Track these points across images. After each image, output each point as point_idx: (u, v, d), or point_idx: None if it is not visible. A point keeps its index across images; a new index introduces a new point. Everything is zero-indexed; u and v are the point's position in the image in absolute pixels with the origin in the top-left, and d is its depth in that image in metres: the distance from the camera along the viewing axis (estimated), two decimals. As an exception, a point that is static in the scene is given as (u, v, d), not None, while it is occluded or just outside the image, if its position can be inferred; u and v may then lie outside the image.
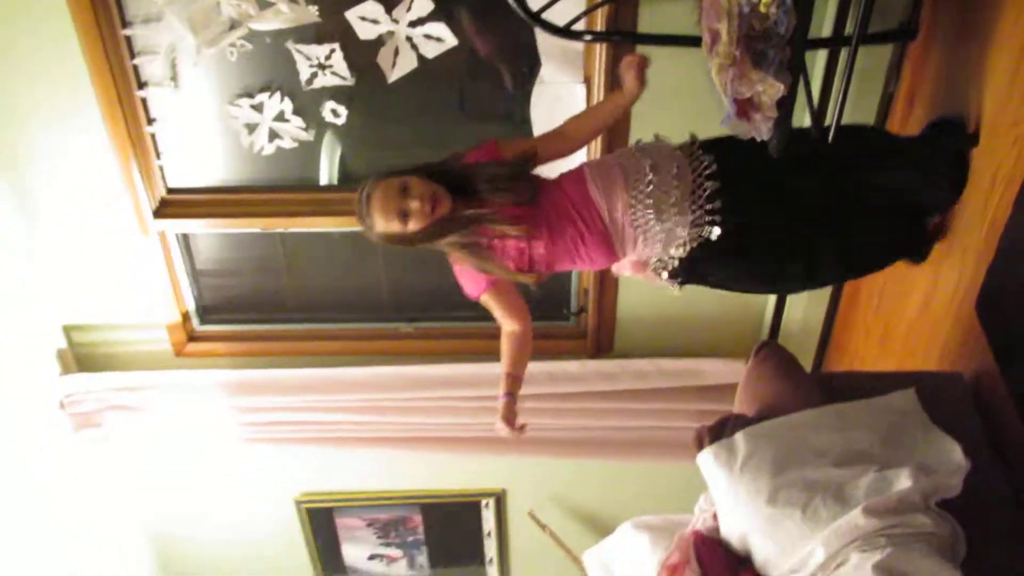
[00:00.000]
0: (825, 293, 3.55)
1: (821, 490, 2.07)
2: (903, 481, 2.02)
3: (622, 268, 2.66)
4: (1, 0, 2.99)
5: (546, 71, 3.11)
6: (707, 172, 2.42)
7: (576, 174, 2.55)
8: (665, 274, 2.56)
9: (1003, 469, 2.32)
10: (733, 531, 2.27)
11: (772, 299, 3.62)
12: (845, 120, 2.35)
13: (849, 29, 2.72)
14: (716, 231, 2.42)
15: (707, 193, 2.41)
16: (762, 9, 2.04)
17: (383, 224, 2.42)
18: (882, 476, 2.05)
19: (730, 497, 2.23)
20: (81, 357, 3.86)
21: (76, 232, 3.51)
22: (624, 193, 2.45)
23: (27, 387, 3.59)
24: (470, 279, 2.59)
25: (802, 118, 2.72)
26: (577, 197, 2.50)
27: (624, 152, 2.58)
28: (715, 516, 2.38)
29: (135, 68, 3.19)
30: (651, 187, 2.42)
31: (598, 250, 2.52)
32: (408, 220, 2.39)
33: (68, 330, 3.79)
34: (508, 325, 2.63)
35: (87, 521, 4.05)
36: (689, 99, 3.04)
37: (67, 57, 3.07)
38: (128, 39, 3.11)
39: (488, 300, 2.60)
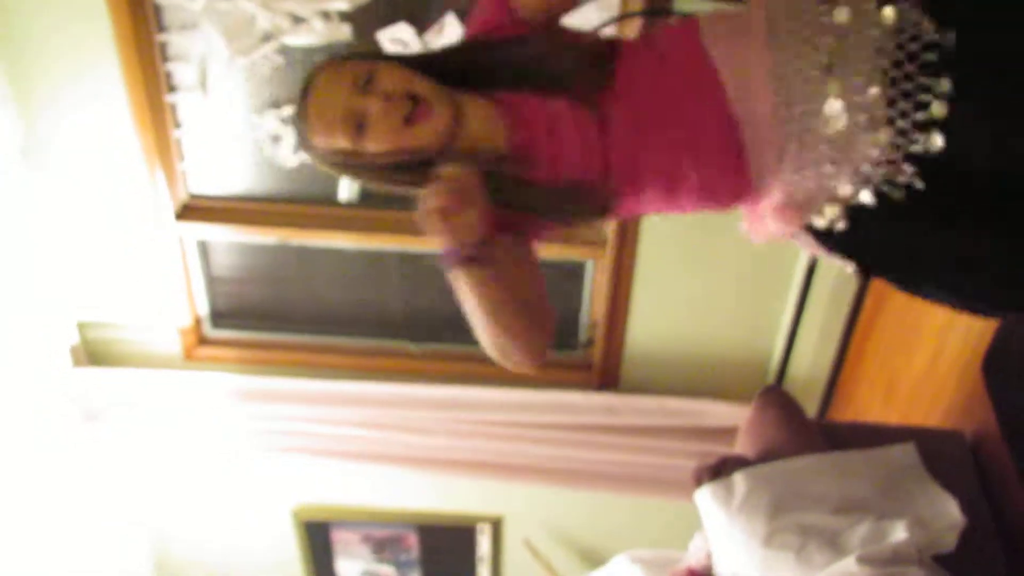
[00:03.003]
0: (833, 340, 3.57)
1: (816, 535, 2.08)
2: (899, 532, 2.04)
3: (758, 222, 1.64)
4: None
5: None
6: (927, 40, 1.41)
7: (681, 33, 1.61)
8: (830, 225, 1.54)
9: (998, 529, 2.34)
10: (726, 570, 2.28)
11: (780, 343, 3.63)
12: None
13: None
14: (939, 141, 1.41)
15: (923, 66, 1.41)
16: None
17: (323, 133, 1.57)
18: (878, 526, 2.07)
19: (725, 536, 2.24)
20: (93, 354, 3.89)
21: (96, 230, 3.54)
22: (768, 58, 1.51)
23: (40, 379, 3.62)
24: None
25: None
26: (681, 77, 1.56)
27: None
28: (709, 555, 2.40)
29: (167, 73, 3.23)
30: (824, 50, 1.46)
31: (715, 171, 1.56)
32: (365, 132, 1.54)
33: (82, 326, 3.82)
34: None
35: (88, 514, 4.07)
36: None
37: (101, 59, 3.12)
38: (163, 45, 3.16)
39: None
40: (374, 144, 1.54)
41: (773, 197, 1.56)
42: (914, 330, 2.94)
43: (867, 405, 3.36)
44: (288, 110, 3.27)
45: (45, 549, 3.75)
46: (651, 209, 1.67)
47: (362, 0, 2.97)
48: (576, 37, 1.68)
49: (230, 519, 4.53)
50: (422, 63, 1.61)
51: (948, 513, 2.12)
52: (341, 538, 4.63)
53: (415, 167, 1.57)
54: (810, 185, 1.50)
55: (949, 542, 2.08)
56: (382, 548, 4.71)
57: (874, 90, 1.43)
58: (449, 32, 3.06)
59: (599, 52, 1.62)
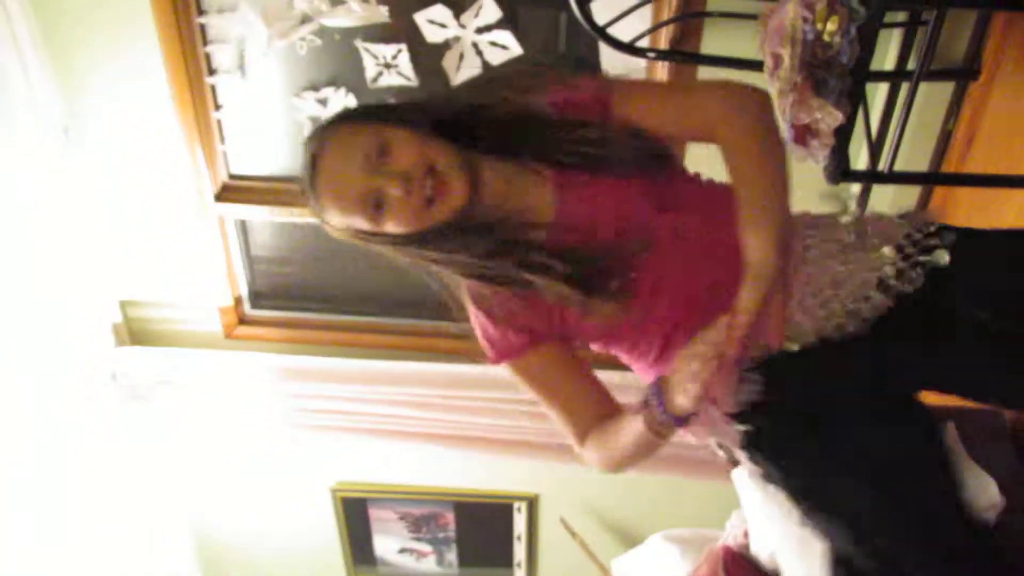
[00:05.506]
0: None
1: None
2: (935, 512, 2.04)
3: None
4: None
5: (608, 84, 3.14)
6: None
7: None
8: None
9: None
10: (763, 549, 2.29)
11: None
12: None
13: (911, 65, 2.74)
14: (945, 256, 1.53)
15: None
16: (826, 38, 2.07)
17: (338, 213, 1.51)
18: (915, 506, 2.07)
19: (762, 515, 2.25)
20: (135, 332, 3.94)
21: (138, 210, 3.59)
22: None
23: (82, 357, 3.67)
24: (490, 331, 1.65)
25: (859, 150, 2.74)
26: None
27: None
28: (745, 533, 2.41)
29: (207, 55, 3.26)
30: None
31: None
32: (383, 213, 1.47)
33: (124, 305, 3.88)
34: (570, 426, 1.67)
35: (128, 492, 4.12)
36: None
37: (142, 41, 3.15)
38: (202, 27, 3.19)
39: (524, 368, 1.67)
40: (394, 227, 1.49)
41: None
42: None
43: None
44: (326, 92, 3.30)
45: (85, 527, 3.81)
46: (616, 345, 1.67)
47: (400, -18, 2.99)
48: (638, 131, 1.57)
49: (269, 496, 4.58)
50: (441, 120, 1.52)
51: (987, 493, 2.11)
52: (379, 515, 4.68)
53: (432, 236, 1.53)
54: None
55: (988, 522, 2.08)
56: (419, 526, 4.75)
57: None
58: (485, 14, 3.07)
59: (659, 150, 1.57)
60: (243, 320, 3.98)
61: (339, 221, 1.53)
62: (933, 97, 2.91)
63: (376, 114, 1.53)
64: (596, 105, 1.55)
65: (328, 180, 1.49)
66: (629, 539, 4.38)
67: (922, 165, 3.02)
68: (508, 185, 1.55)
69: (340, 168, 1.47)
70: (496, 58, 3.17)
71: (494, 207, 1.54)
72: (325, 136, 1.52)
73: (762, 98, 1.54)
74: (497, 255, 1.53)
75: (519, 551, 4.75)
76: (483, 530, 4.70)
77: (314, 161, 1.50)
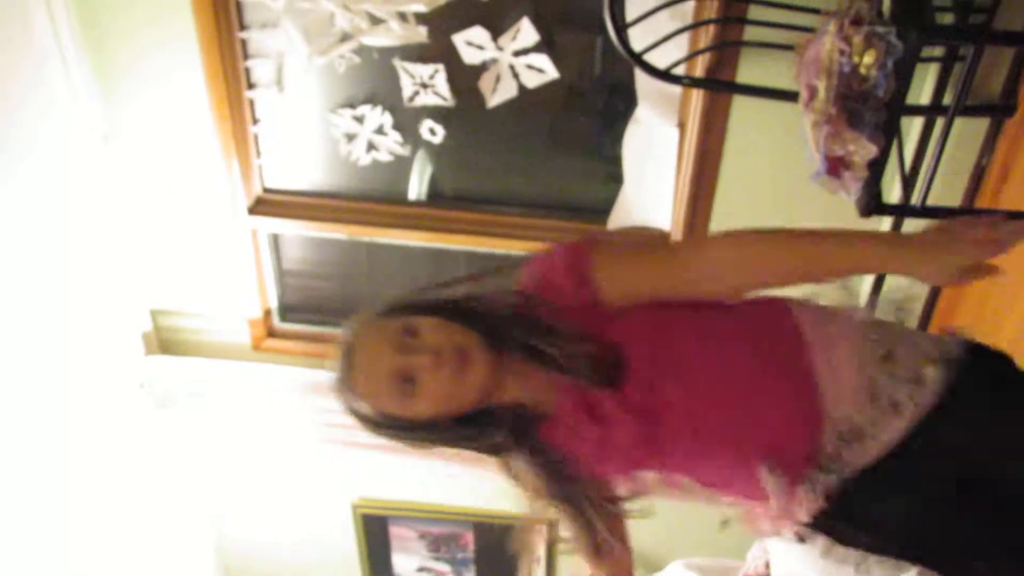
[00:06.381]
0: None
1: (875, 548, 2.08)
2: (959, 550, 2.02)
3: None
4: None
5: (641, 111, 3.16)
6: None
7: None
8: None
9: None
10: (783, 581, 2.28)
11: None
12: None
13: (947, 99, 2.74)
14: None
15: None
16: (862, 70, 2.08)
17: (371, 393, 1.53)
18: (938, 542, 2.06)
19: (784, 546, 2.24)
20: (164, 341, 3.98)
21: (172, 220, 3.62)
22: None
23: (111, 365, 3.71)
24: None
25: (892, 183, 2.74)
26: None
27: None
28: (767, 564, 2.40)
29: (247, 70, 3.31)
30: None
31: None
32: (415, 388, 1.49)
33: (155, 314, 3.91)
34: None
35: (153, 501, 4.15)
36: (781, 153, 3.06)
37: (184, 54, 3.20)
38: (243, 42, 3.24)
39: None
40: (424, 400, 1.49)
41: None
42: (993, 323, 2.91)
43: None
44: (363, 109, 3.33)
45: (110, 534, 3.83)
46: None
47: (439, 3, 3.02)
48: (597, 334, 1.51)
49: (291, 509, 4.60)
50: (463, 311, 1.55)
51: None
52: (398, 533, 4.68)
53: (454, 425, 1.56)
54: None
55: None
56: (438, 545, 4.75)
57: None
58: (523, 37, 3.09)
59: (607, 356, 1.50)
60: (271, 333, 4.01)
61: (371, 405, 1.55)
62: (968, 132, 2.90)
63: (405, 307, 1.58)
64: (574, 291, 1.52)
65: (361, 365, 1.53)
66: (648, 566, 4.36)
67: (955, 200, 3.01)
68: (518, 377, 1.56)
69: (373, 351, 1.51)
70: (532, 81, 3.19)
71: (508, 396, 1.57)
72: (357, 330, 1.57)
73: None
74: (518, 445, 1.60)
75: (538, 574, 4.73)
76: (502, 552, 4.67)
77: (348, 352, 1.55)
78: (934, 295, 3.12)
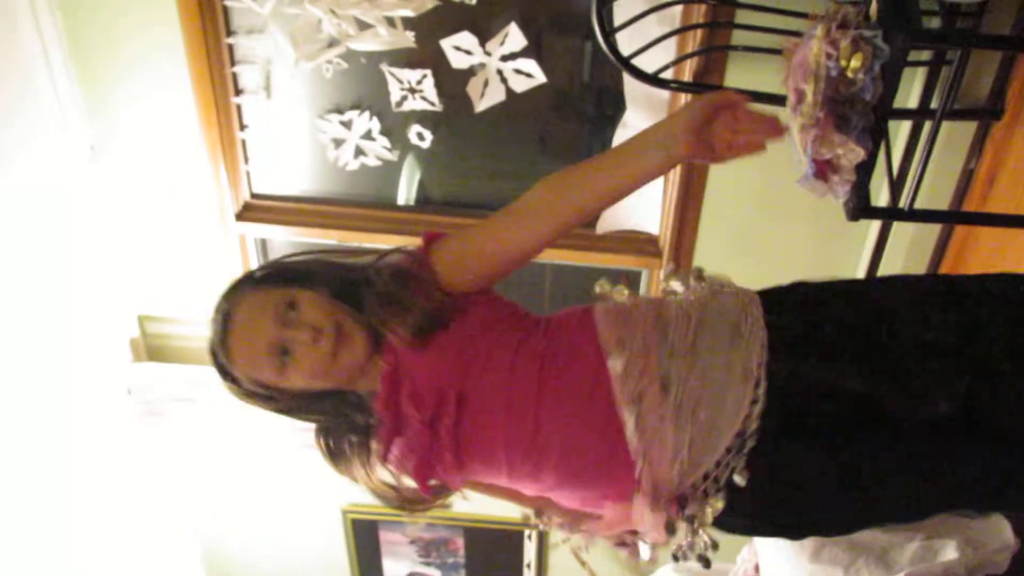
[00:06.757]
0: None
1: (866, 552, 2.08)
2: (949, 552, 2.03)
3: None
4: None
5: (630, 115, 3.16)
6: None
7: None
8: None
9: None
10: (773, 584, 2.28)
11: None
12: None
13: (934, 103, 2.75)
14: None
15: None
16: (849, 74, 2.08)
17: (247, 360, 1.56)
18: (928, 545, 2.06)
19: (774, 549, 2.25)
20: (152, 347, 3.96)
21: (160, 227, 3.61)
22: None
23: (99, 371, 3.69)
24: None
25: (880, 187, 2.75)
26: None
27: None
28: (756, 568, 2.40)
29: (234, 75, 3.30)
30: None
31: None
32: (290, 361, 1.53)
33: (143, 320, 3.90)
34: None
35: (140, 508, 4.13)
36: (768, 157, 3.06)
37: (170, 61, 3.19)
38: (230, 47, 3.23)
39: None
40: (298, 375, 1.54)
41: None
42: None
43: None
44: (350, 115, 3.33)
45: (96, 541, 3.81)
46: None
47: (427, 8, 3.01)
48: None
49: (280, 515, 4.58)
50: (342, 284, 1.60)
51: (1000, 535, 2.11)
52: (388, 538, 4.67)
53: (323, 398, 1.64)
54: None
55: (1001, 564, 2.07)
56: (428, 550, 4.75)
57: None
58: (511, 42, 3.09)
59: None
60: (260, 339, 3.98)
61: (246, 373, 1.57)
62: (955, 136, 2.91)
63: (284, 278, 1.60)
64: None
65: (239, 334, 1.55)
66: (639, 570, 4.35)
67: (943, 204, 3.02)
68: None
69: (252, 322, 1.53)
70: (520, 86, 3.19)
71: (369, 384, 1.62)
72: (237, 297, 1.58)
73: None
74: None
75: (529, 579, 4.74)
76: (492, 557, 4.69)
77: (227, 318, 1.56)
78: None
